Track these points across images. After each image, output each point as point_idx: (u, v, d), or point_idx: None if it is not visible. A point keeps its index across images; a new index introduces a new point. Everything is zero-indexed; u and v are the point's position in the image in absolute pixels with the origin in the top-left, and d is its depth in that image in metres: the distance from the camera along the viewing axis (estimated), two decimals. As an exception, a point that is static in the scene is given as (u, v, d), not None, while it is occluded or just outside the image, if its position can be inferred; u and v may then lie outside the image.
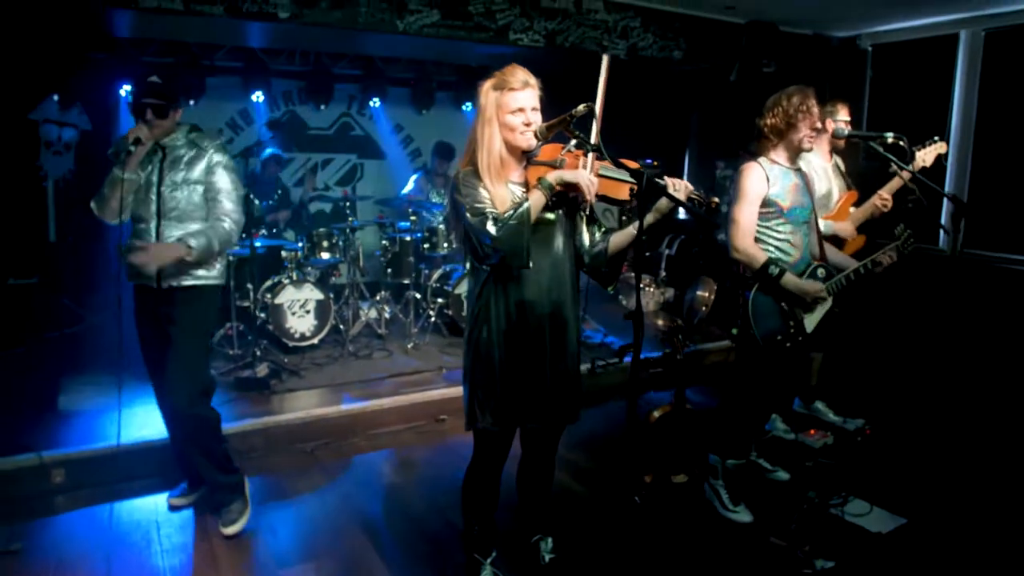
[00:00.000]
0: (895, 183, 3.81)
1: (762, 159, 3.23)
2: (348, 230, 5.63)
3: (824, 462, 3.84)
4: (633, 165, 2.34)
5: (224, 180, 3.06)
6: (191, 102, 6.25)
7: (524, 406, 2.46)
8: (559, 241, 2.47)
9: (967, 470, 3.79)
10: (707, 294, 6.59)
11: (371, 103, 7.26)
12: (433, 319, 5.82)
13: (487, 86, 2.39)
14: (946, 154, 3.94)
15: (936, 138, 3.83)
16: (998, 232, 5.47)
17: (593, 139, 2.35)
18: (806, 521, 3.23)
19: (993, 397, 4.69)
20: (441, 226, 5.94)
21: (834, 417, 4.44)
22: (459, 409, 4.57)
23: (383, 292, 5.77)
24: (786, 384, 4.12)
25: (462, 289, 5.74)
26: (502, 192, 2.35)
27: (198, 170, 3.03)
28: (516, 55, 6.35)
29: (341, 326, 5.47)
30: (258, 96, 6.65)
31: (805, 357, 4.28)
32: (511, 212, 2.25)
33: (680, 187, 2.35)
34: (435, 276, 5.95)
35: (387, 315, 5.78)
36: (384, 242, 5.83)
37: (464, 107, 7.69)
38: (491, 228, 2.23)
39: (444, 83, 7.53)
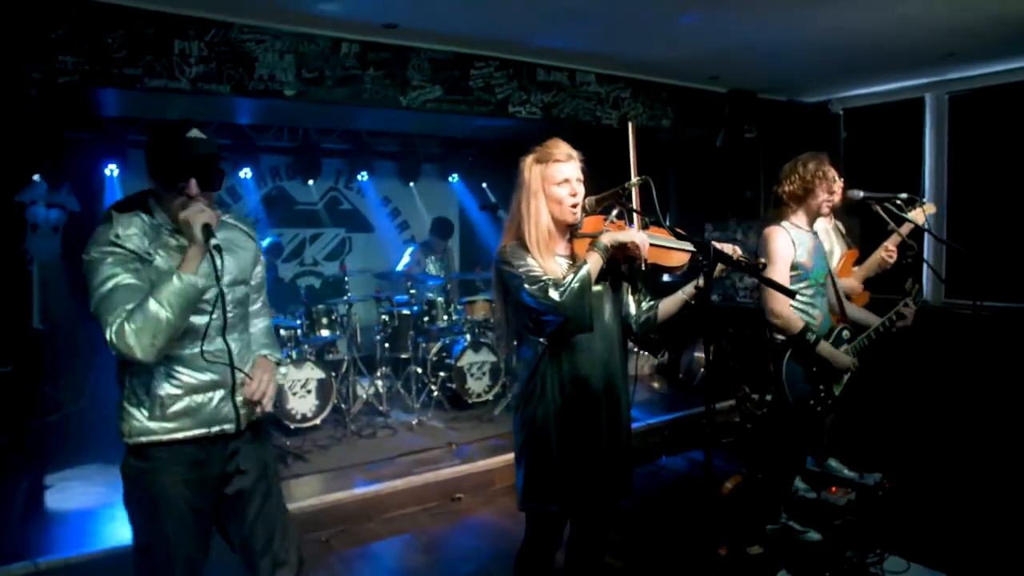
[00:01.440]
0: (895, 239, 3.88)
1: (784, 223, 3.27)
2: (346, 305, 5.52)
3: (852, 519, 3.77)
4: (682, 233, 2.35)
5: (263, 270, 2.37)
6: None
7: (582, 483, 2.36)
8: (608, 312, 2.43)
9: (991, 516, 3.75)
10: (704, 355, 6.59)
11: (359, 177, 7.26)
12: (436, 393, 5.67)
13: (530, 160, 2.39)
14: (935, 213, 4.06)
15: (924, 200, 3.95)
16: (978, 283, 5.60)
17: (635, 206, 2.36)
18: (850, 584, 3.15)
19: (996, 440, 4.70)
20: (439, 299, 5.87)
21: (849, 473, 4.39)
22: (474, 486, 4.49)
23: (384, 367, 5.63)
24: (807, 445, 4.10)
25: (465, 362, 5.64)
26: (551, 265, 2.32)
27: (247, 262, 2.22)
28: (505, 128, 6.49)
29: (343, 405, 5.28)
30: (246, 172, 6.60)
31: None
32: (572, 276, 2.21)
33: (729, 250, 2.35)
34: (434, 349, 5.84)
35: (383, 390, 5.61)
36: (383, 316, 5.73)
37: (451, 178, 7.75)
38: (553, 294, 2.19)
39: (430, 155, 7.60)
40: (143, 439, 1.99)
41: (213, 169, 1.99)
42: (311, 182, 6.93)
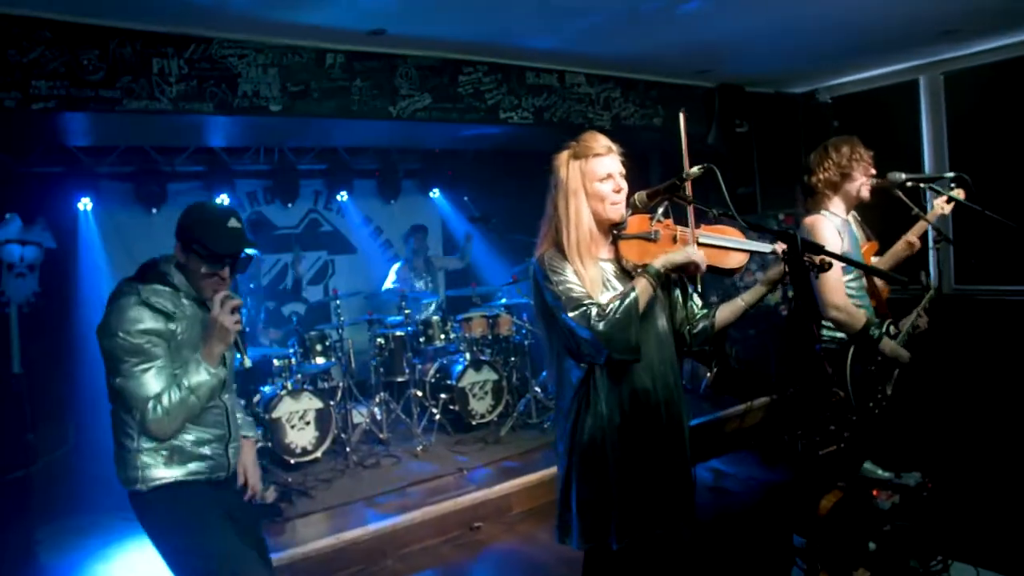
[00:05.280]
0: (921, 226, 3.73)
1: (824, 212, 3.10)
2: (339, 330, 5.26)
3: (902, 524, 3.57)
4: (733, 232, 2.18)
5: None
6: (153, 210, 5.86)
7: (645, 512, 2.12)
8: (661, 319, 2.21)
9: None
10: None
11: (338, 197, 7.00)
12: (438, 417, 5.42)
13: (565, 157, 2.18)
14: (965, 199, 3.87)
15: (953, 185, 3.78)
16: (987, 267, 5.49)
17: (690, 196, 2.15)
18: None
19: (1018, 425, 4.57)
20: (435, 317, 5.63)
21: (884, 473, 4.21)
22: (492, 513, 4.23)
23: (381, 393, 5.36)
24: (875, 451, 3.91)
25: (466, 382, 5.40)
26: (593, 272, 2.10)
27: None
28: (484, 138, 6.29)
29: (343, 435, 5.01)
30: (222, 199, 6.30)
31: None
32: (617, 304, 1.99)
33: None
34: (432, 370, 5.60)
35: (380, 416, 5.34)
36: (379, 340, 5.47)
37: (431, 193, 7.52)
38: (596, 322, 1.97)
39: (410, 171, 7.37)
40: (161, 482, 2.15)
41: (244, 258, 2.26)
42: (290, 205, 6.66)
